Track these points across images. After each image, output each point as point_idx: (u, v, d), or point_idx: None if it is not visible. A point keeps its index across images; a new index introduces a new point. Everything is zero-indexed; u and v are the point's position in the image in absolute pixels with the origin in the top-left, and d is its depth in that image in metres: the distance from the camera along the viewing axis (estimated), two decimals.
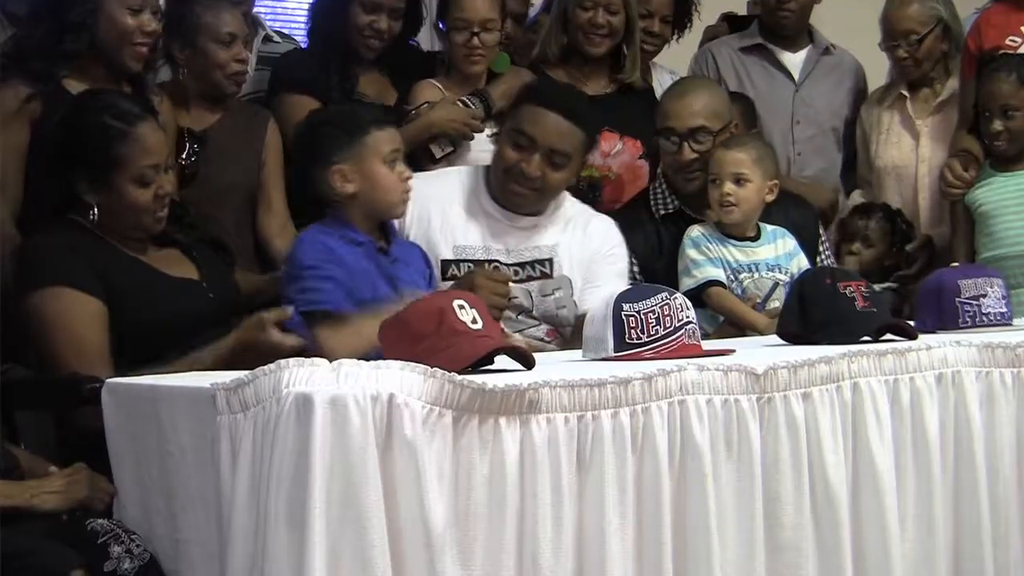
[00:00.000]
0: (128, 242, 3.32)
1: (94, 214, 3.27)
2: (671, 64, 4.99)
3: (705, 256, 3.97)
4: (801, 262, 4.03)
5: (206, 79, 3.90)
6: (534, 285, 3.81)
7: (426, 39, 4.64)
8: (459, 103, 4.16)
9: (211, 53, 3.87)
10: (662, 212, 4.17)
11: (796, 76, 4.92)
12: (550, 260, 3.84)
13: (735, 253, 3.99)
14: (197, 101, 3.95)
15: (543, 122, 3.74)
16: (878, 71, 5.03)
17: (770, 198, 4.02)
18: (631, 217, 4.14)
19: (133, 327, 3.21)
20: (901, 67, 4.77)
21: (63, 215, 3.31)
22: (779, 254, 4.03)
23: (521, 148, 3.73)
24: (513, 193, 3.78)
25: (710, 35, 5.27)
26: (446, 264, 3.73)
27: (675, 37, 4.92)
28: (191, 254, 3.42)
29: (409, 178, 3.46)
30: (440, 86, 4.23)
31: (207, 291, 3.37)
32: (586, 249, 3.88)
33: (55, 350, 3.18)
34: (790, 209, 4.21)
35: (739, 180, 3.96)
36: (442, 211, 3.78)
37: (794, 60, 4.94)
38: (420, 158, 4.06)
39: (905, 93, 4.80)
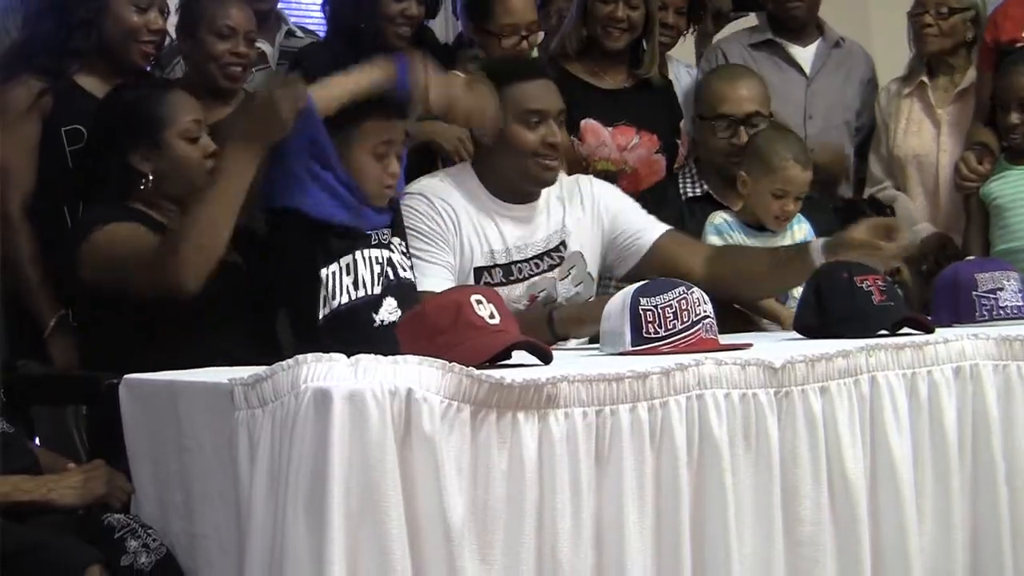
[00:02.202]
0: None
1: (147, 182, 3.32)
2: (684, 57, 4.98)
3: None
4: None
5: (202, 71, 3.90)
6: (555, 272, 3.82)
7: (439, 31, 4.63)
8: None
9: (208, 45, 3.86)
10: (689, 194, 4.18)
11: (807, 71, 4.90)
12: (563, 242, 3.85)
13: (757, 244, 3.99)
14: (208, 95, 3.94)
15: (541, 92, 3.74)
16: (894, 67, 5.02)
17: None
18: (658, 194, 4.18)
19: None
20: (923, 37, 4.74)
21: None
22: (797, 240, 4.03)
23: (537, 125, 3.71)
24: (547, 169, 3.74)
25: (714, 9, 5.23)
26: (479, 271, 3.72)
27: (690, 29, 4.91)
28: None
29: (394, 173, 3.42)
30: None
31: (245, 276, 3.39)
32: (587, 215, 3.88)
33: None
34: (811, 212, 4.20)
35: (800, 198, 4.02)
36: (467, 218, 3.74)
37: (804, 54, 4.91)
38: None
39: (926, 80, 4.79)
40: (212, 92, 3.88)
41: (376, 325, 3.30)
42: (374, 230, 3.40)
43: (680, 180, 4.24)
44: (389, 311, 3.34)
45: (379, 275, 3.36)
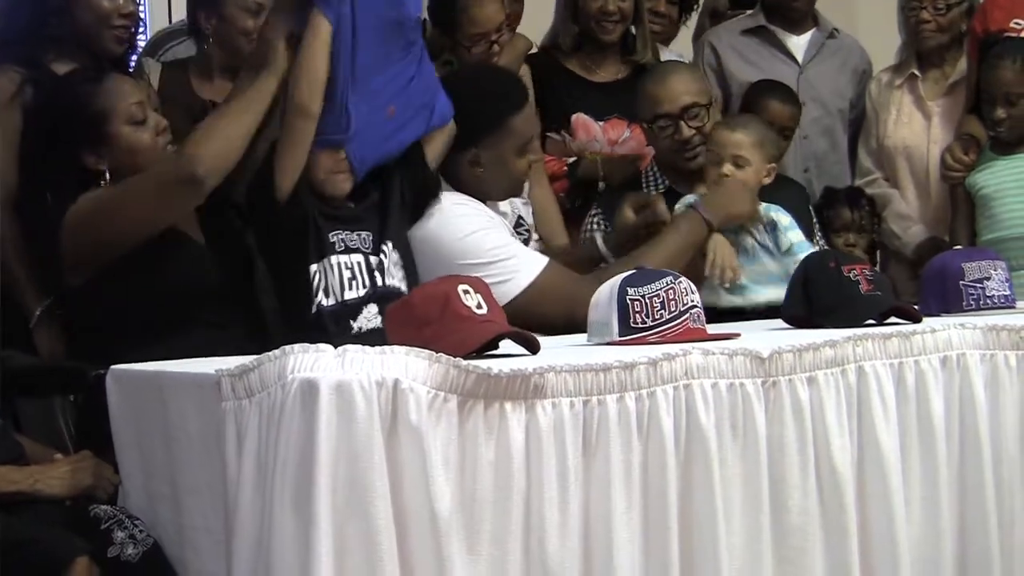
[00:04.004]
0: None
1: (104, 179, 3.30)
2: (676, 48, 4.99)
3: None
4: (795, 236, 4.01)
5: (232, 48, 3.89)
6: (533, 245, 3.91)
7: None
8: None
9: (238, 21, 3.86)
10: (653, 192, 4.17)
11: (800, 58, 4.91)
12: (520, 216, 3.94)
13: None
14: (221, 74, 3.94)
15: (532, 118, 3.81)
16: (881, 56, 5.03)
17: (767, 181, 3.99)
18: (620, 197, 4.16)
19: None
20: (919, 32, 4.73)
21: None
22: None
23: (527, 151, 3.74)
24: (523, 185, 3.83)
25: (710, 7, 5.25)
26: None
27: (683, 19, 4.92)
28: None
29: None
30: None
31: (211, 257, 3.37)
32: None
33: None
34: (784, 195, 4.20)
35: (738, 162, 3.93)
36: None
37: (798, 43, 4.93)
38: None
39: (917, 73, 4.80)
40: (232, 70, 3.87)
41: (354, 332, 3.27)
42: (344, 231, 3.35)
43: (643, 180, 4.21)
44: (368, 318, 3.31)
45: (351, 279, 3.31)
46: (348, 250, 3.33)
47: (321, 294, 3.26)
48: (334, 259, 3.30)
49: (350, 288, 3.30)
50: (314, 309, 3.25)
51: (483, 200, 3.72)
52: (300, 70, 3.26)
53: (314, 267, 3.27)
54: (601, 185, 4.37)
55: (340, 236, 3.33)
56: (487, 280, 3.37)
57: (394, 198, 3.46)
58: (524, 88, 3.86)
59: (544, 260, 3.63)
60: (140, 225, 3.21)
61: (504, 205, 3.82)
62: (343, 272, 3.30)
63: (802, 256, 3.62)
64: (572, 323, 3.21)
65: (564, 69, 4.51)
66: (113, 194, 3.24)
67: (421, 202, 3.54)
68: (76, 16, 3.66)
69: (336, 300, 3.28)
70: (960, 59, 4.76)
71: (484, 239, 3.56)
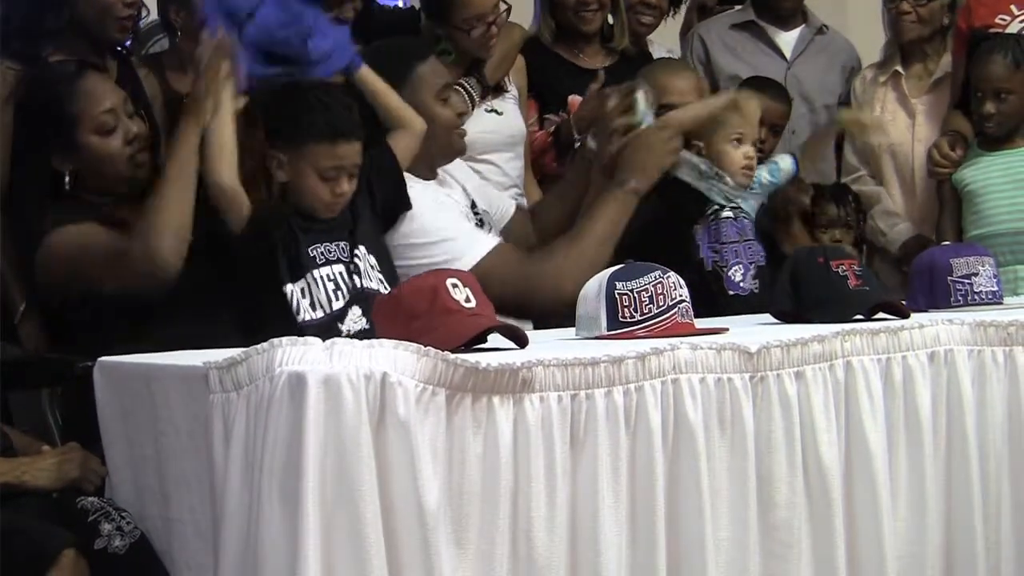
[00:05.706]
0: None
1: (68, 183, 3.30)
2: (667, 42, 5.00)
3: None
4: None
5: (200, 41, 3.87)
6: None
7: None
8: (457, 87, 4.12)
9: None
10: None
11: (788, 54, 4.93)
12: (473, 201, 3.91)
13: None
14: (193, 66, 3.92)
15: (443, 67, 3.81)
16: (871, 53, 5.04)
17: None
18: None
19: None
20: (900, 24, 4.75)
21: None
22: None
23: (447, 100, 3.73)
24: (463, 138, 3.80)
25: (699, 2, 5.26)
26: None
27: (672, 13, 4.94)
28: None
29: (342, 192, 3.35)
30: None
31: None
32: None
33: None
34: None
35: (755, 145, 4.04)
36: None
37: (786, 38, 4.96)
38: None
39: (900, 70, 4.80)
40: None
41: (344, 336, 3.24)
42: (323, 244, 3.32)
43: None
44: (354, 320, 3.27)
45: (335, 290, 3.28)
46: (328, 262, 3.30)
47: (307, 310, 3.25)
48: (316, 273, 3.27)
49: (336, 299, 3.27)
50: (298, 323, 3.21)
51: (427, 171, 3.70)
52: (209, 148, 3.23)
53: (289, 287, 3.25)
54: (577, 142, 4.38)
55: (319, 249, 3.29)
56: (431, 259, 3.43)
57: (362, 201, 3.41)
58: (426, 41, 3.95)
59: (492, 243, 3.60)
60: (110, 285, 3.21)
61: (457, 193, 3.79)
62: (327, 284, 3.27)
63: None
64: (524, 305, 3.17)
65: (555, 55, 4.55)
66: (83, 250, 3.22)
67: (392, 210, 3.52)
68: (78, 8, 3.64)
69: (325, 313, 3.25)
70: (944, 54, 4.77)
71: (433, 219, 3.55)
